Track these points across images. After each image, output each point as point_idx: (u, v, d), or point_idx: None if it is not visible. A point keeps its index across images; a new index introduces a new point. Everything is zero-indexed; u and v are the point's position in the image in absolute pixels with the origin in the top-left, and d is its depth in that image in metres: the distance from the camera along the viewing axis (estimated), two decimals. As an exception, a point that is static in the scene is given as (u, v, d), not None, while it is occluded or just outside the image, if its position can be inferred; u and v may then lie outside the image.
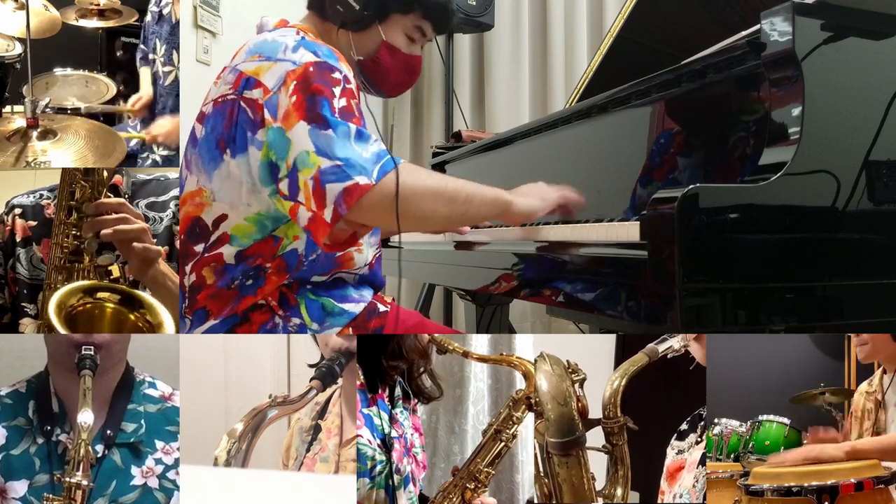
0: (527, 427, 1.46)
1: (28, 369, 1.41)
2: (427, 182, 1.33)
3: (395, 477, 1.28)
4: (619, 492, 1.36)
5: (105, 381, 1.37)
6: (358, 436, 1.28)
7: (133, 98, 2.15)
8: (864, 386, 1.70)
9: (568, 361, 1.38)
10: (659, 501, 1.50)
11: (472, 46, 3.74)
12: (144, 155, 2.07)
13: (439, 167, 2.46)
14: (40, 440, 1.33)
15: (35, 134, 1.84)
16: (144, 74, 2.16)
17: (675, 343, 1.41)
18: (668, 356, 1.42)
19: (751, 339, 2.10)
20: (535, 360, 1.36)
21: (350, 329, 1.44)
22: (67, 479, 1.22)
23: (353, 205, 1.24)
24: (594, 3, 3.59)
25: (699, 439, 1.51)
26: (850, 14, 1.17)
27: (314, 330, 1.42)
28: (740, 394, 2.06)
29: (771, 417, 1.82)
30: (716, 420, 1.86)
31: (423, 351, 1.35)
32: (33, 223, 1.60)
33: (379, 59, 1.49)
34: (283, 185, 1.30)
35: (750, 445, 1.79)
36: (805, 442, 1.76)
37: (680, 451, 1.52)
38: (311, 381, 1.27)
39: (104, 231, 1.41)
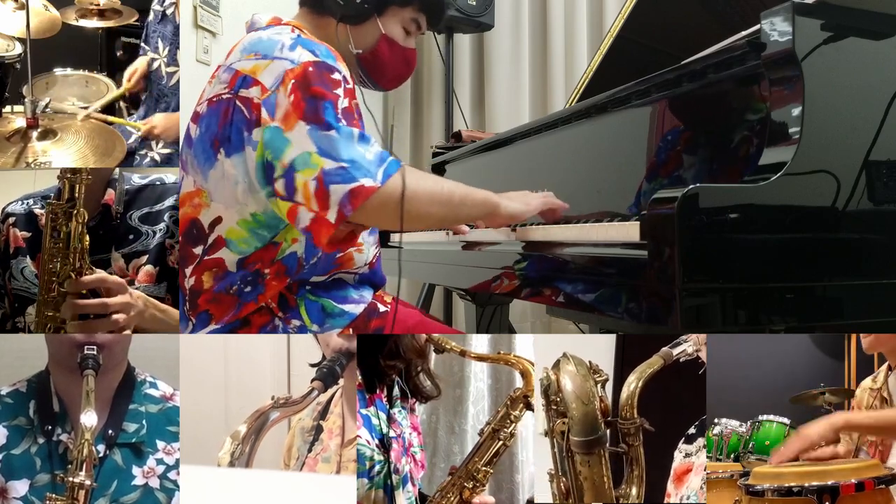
0: (526, 426, 1.46)
1: (28, 369, 1.41)
2: (425, 184, 1.34)
3: (394, 477, 1.28)
4: (633, 491, 1.36)
5: (106, 381, 1.37)
6: (356, 436, 1.28)
7: (128, 71, 2.12)
8: (867, 382, 1.69)
9: (590, 362, 1.39)
10: (665, 502, 1.50)
11: (472, 46, 3.74)
12: (143, 152, 2.06)
13: (439, 167, 2.46)
14: (41, 440, 1.33)
15: (35, 134, 1.83)
16: (141, 60, 2.14)
17: (688, 347, 1.42)
18: (682, 360, 1.43)
19: (751, 339, 2.10)
20: (558, 360, 1.37)
21: (350, 330, 1.44)
22: (70, 479, 1.23)
23: (359, 206, 1.25)
24: (594, 3, 3.59)
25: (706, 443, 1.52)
26: (850, 14, 1.17)
27: (314, 331, 1.42)
28: (740, 394, 2.06)
29: (771, 417, 1.82)
30: (716, 420, 1.87)
31: (420, 350, 1.35)
32: (27, 234, 1.59)
33: (378, 52, 1.50)
34: (280, 185, 1.29)
35: (750, 445, 1.80)
36: None
37: (687, 455, 1.52)
38: (312, 381, 1.27)
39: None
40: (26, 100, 1.84)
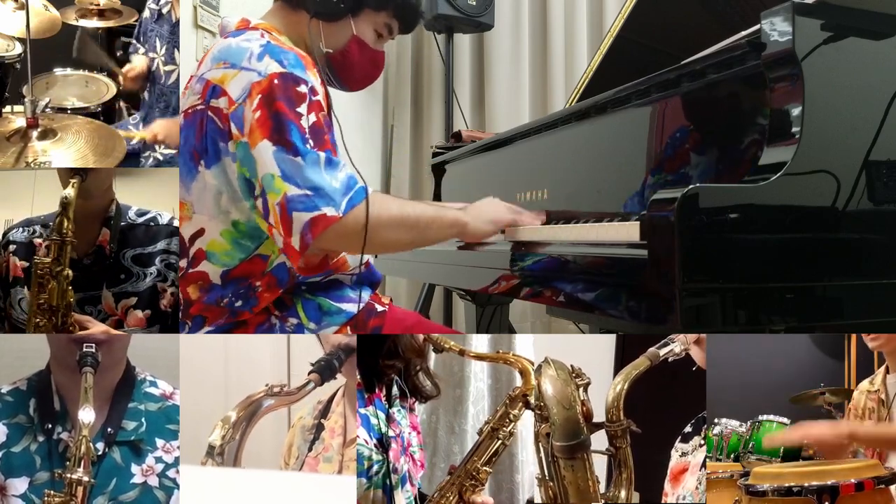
0: (526, 426, 1.46)
1: (28, 369, 1.41)
2: (390, 211, 1.35)
3: (392, 476, 1.28)
4: (622, 494, 1.36)
5: (106, 380, 1.37)
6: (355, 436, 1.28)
7: (126, 67, 2.11)
8: (864, 384, 1.69)
9: (572, 366, 1.39)
10: (662, 503, 1.50)
11: (472, 46, 3.74)
12: (146, 154, 2.07)
13: (439, 167, 2.46)
14: (41, 438, 1.33)
15: (35, 134, 1.83)
16: (141, 60, 2.14)
17: (676, 347, 1.43)
18: (670, 360, 1.43)
19: (751, 339, 2.10)
20: (540, 365, 1.37)
21: (348, 328, 1.44)
22: (68, 476, 1.23)
23: (319, 235, 1.27)
24: (594, 3, 3.59)
25: (702, 442, 1.52)
26: (850, 14, 1.17)
27: (312, 329, 1.42)
28: (740, 394, 2.06)
29: (771, 417, 1.82)
30: (716, 420, 1.86)
31: (419, 350, 1.36)
32: (25, 264, 1.59)
33: (348, 53, 1.50)
34: (259, 204, 1.31)
35: (750, 445, 1.79)
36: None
37: (684, 454, 1.53)
38: (309, 374, 1.27)
39: None
40: (26, 100, 1.84)
